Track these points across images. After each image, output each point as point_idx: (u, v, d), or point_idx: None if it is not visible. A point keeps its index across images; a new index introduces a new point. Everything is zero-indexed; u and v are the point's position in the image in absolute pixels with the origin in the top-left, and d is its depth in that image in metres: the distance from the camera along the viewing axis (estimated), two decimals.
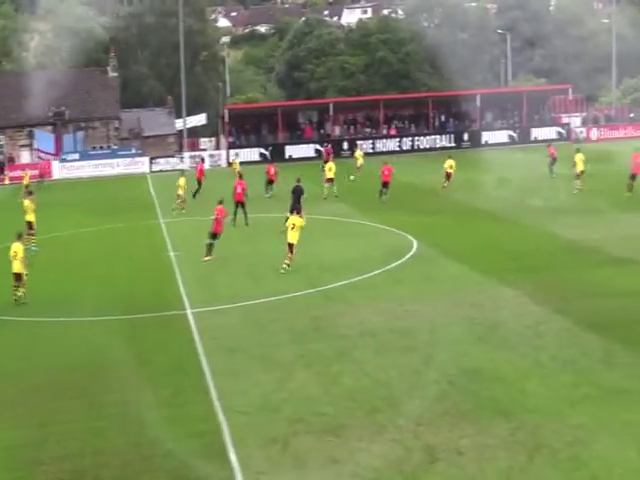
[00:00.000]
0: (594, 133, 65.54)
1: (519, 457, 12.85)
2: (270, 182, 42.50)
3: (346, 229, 33.11)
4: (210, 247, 27.68)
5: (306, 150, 61.74)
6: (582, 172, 39.23)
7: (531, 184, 42.23)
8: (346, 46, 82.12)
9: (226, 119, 62.43)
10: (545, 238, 29.15)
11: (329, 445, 13.62)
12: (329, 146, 54.69)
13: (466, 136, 64.19)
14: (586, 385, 15.53)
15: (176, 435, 14.23)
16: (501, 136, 64.38)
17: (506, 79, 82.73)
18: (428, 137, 63.92)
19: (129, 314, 22.07)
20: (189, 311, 22.06)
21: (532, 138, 64.20)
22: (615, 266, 24.62)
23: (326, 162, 44.30)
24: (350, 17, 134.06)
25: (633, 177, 36.29)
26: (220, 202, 28.88)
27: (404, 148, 62.67)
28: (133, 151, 62.85)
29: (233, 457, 13.28)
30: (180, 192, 39.09)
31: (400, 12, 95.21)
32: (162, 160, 61.71)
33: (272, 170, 42.71)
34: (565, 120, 67.37)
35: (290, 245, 25.31)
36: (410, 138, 63.70)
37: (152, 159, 61.70)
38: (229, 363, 17.84)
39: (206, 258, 27.60)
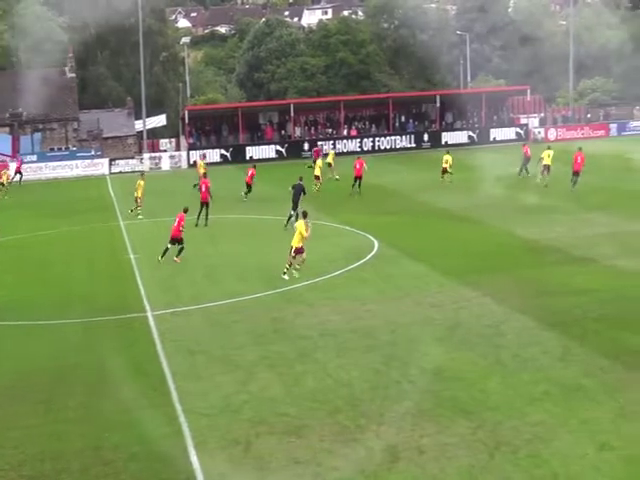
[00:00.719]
0: (552, 133, 66.32)
1: (480, 455, 12.95)
2: (248, 185, 41.22)
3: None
4: (165, 251, 27.44)
5: (267, 151, 61.63)
6: (548, 167, 40.14)
7: (494, 184, 42.60)
8: (306, 47, 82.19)
9: (186, 120, 62.10)
10: (506, 238, 29.42)
11: (291, 446, 13.62)
12: (318, 147, 55.97)
13: (426, 137, 64.56)
14: (545, 383, 15.71)
15: (137, 438, 14.12)
16: (461, 137, 64.83)
17: (465, 80, 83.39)
18: (388, 138, 64.20)
19: (89, 317, 21.85)
20: (149, 313, 21.89)
21: (491, 139, 64.76)
22: (573, 265, 24.93)
23: (314, 161, 45.75)
24: (310, 18, 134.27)
25: (576, 174, 37.43)
26: (185, 210, 28.69)
27: (365, 149, 62.82)
28: (92, 152, 62.21)
29: (195, 459, 13.21)
30: (138, 194, 38.63)
31: (360, 13, 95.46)
32: (122, 162, 61.16)
33: (250, 173, 41.39)
34: (523, 121, 68.09)
35: (295, 249, 24.06)
36: (370, 139, 63.93)
37: (112, 160, 61.14)
38: (190, 365, 17.74)
39: (175, 259, 27.37)
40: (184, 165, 60.65)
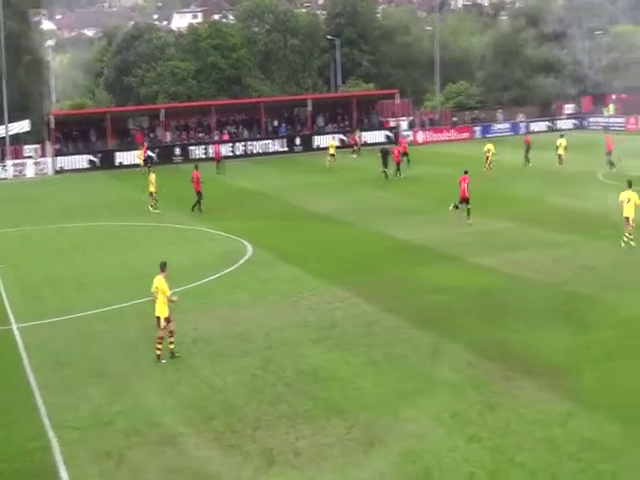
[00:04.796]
0: (420, 136, 67.98)
1: (355, 454, 13.11)
2: (198, 193, 37.52)
3: (181, 236, 32.67)
4: None
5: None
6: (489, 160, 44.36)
7: (367, 186, 43.33)
8: (177, 51, 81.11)
9: (52, 125, 60.20)
10: (376, 239, 29.95)
11: (166, 455, 13.41)
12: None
13: (298, 140, 65.00)
14: (416, 379, 16.08)
15: (3, 456, 13.56)
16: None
17: (336, 84, 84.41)
18: (261, 142, 64.22)
19: None
20: (14, 326, 21.09)
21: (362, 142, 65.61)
22: (441, 263, 25.65)
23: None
24: (180, 22, 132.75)
25: (465, 201, 32.01)
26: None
27: (237, 153, 62.63)
28: None
29: (65, 475, 12.82)
30: (152, 189, 37.98)
31: (231, 17, 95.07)
32: None
33: (196, 175, 37.69)
34: (392, 124, 69.52)
35: (165, 319, 18.40)
36: (243, 143, 63.77)
37: None
38: (58, 378, 17.19)
39: None
40: (50, 172, 58.71)
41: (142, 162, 53.57)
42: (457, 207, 31.61)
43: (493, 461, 12.65)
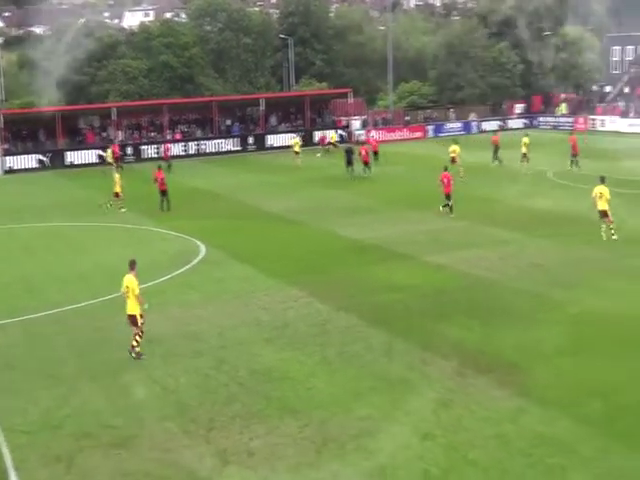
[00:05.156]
0: (373, 135, 68.22)
1: (308, 453, 13.10)
2: (163, 192, 37.30)
3: (133, 236, 32.32)
4: None
5: (88, 156, 59.69)
6: (454, 159, 42.89)
7: (323, 185, 43.35)
8: (128, 49, 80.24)
9: (0, 125, 59.19)
10: (330, 238, 29.97)
11: (118, 458, 13.27)
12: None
13: (251, 139, 64.77)
14: (370, 378, 16.12)
15: None
16: (286, 139, 65.39)
17: (289, 83, 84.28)
18: (214, 141, 63.84)
19: None
20: None
21: (315, 140, 65.60)
22: (394, 261, 25.76)
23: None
24: (132, 20, 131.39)
25: (447, 196, 32.98)
26: None
27: (190, 152, 62.17)
28: None
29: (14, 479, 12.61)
30: (117, 189, 37.69)
31: (183, 16, 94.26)
32: None
33: (160, 175, 37.66)
34: (345, 123, 69.62)
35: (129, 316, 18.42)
36: (195, 142, 63.34)
37: None
38: (7, 380, 16.89)
39: None
40: None
41: (114, 161, 52.54)
42: (447, 205, 32.62)
43: (446, 458, 12.74)
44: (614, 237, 26.90)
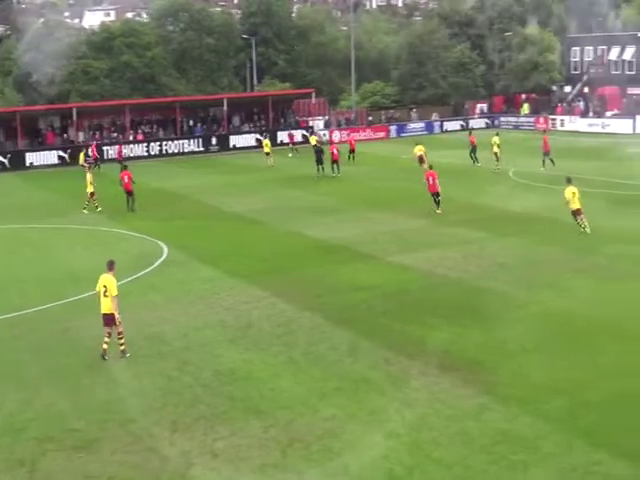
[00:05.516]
0: (336, 135, 68.28)
1: (273, 453, 13.10)
2: (129, 193, 37.19)
3: (94, 237, 31.99)
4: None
5: (48, 157, 59.03)
6: (421, 159, 44.61)
7: (285, 185, 43.32)
8: (89, 49, 79.51)
9: None
10: (294, 238, 29.96)
11: (81, 461, 13.17)
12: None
13: (214, 140, 64.53)
14: (335, 378, 16.15)
15: None
16: (249, 139, 65.34)
17: (252, 83, 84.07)
18: (176, 142, 63.49)
19: None
20: None
21: (279, 141, 65.58)
22: (359, 262, 25.83)
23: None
24: (92, 19, 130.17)
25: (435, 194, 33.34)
26: None
27: (152, 153, 61.77)
28: None
29: None
30: (90, 189, 37.43)
31: (145, 16, 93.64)
32: None
33: (126, 178, 37.30)
34: (309, 123, 69.68)
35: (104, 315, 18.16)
36: (158, 143, 62.92)
37: None
38: None
39: None
40: None
41: (92, 161, 52.05)
42: (437, 203, 32.96)
43: (411, 457, 12.81)
44: (587, 230, 27.75)
